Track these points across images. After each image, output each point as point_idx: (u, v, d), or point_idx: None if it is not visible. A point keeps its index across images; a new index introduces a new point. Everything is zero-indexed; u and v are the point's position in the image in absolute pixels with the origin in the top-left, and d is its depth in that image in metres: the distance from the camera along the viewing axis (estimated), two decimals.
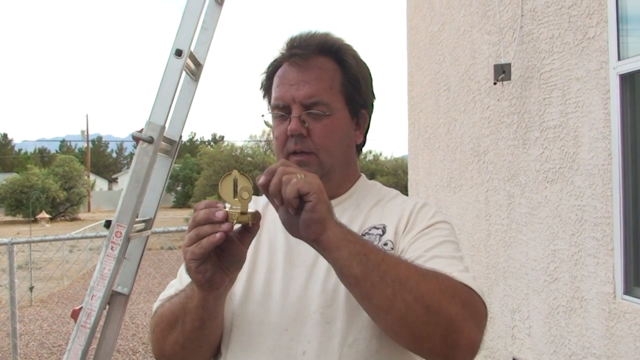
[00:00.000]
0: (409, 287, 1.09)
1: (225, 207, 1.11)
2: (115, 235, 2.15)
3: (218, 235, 1.07)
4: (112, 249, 2.15)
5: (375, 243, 1.33)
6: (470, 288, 1.17)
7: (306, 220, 1.08)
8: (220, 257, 1.13)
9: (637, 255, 2.91)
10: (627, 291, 2.91)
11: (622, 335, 2.89)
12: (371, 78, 1.48)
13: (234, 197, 1.11)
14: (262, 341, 1.29)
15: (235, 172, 1.13)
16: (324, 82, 1.36)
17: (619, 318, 2.92)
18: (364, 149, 1.57)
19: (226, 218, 1.08)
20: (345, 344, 1.26)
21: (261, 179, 1.08)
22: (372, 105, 1.50)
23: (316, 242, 1.10)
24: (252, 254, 1.35)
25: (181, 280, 1.40)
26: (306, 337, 1.27)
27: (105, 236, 2.20)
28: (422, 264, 1.21)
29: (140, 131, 2.19)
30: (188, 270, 1.13)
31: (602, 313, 3.04)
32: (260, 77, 1.48)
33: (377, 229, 1.37)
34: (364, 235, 1.35)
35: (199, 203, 1.12)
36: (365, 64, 1.47)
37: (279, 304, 1.31)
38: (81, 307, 2.19)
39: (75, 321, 2.18)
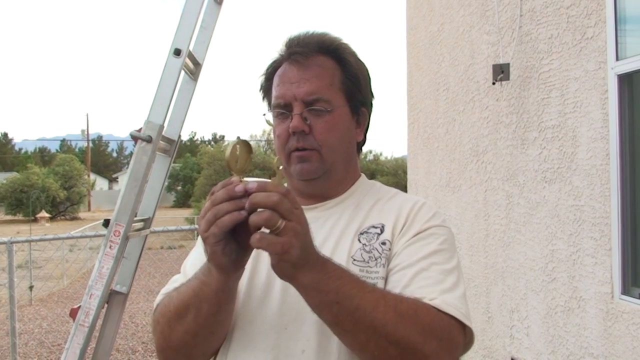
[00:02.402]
0: (385, 332, 1.12)
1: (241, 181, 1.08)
2: (114, 234, 2.16)
3: (244, 212, 1.04)
4: (110, 247, 2.16)
5: (373, 241, 1.34)
6: (452, 317, 1.20)
7: (274, 264, 1.08)
8: (240, 234, 1.09)
9: (635, 256, 2.91)
10: (625, 291, 2.91)
11: (619, 335, 2.90)
12: (369, 77, 1.50)
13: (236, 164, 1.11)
14: (263, 340, 1.29)
15: (237, 140, 1.12)
16: (324, 79, 1.38)
17: (617, 318, 2.92)
18: (364, 149, 1.58)
19: (246, 191, 1.05)
20: (343, 344, 1.26)
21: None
22: (372, 104, 1.51)
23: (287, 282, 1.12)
24: (254, 252, 1.35)
25: (185, 274, 1.38)
26: (305, 335, 1.28)
27: (104, 235, 2.21)
28: (411, 277, 1.25)
29: (139, 130, 2.20)
30: (212, 255, 1.10)
31: (600, 313, 3.05)
32: (259, 78, 1.49)
33: (376, 227, 1.37)
34: (362, 234, 1.36)
35: (216, 186, 1.08)
36: (363, 63, 1.48)
37: (279, 303, 1.31)
38: (80, 306, 2.20)
39: (74, 320, 2.19)
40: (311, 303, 1.12)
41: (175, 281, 1.41)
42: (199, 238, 1.49)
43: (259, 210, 1.03)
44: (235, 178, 1.08)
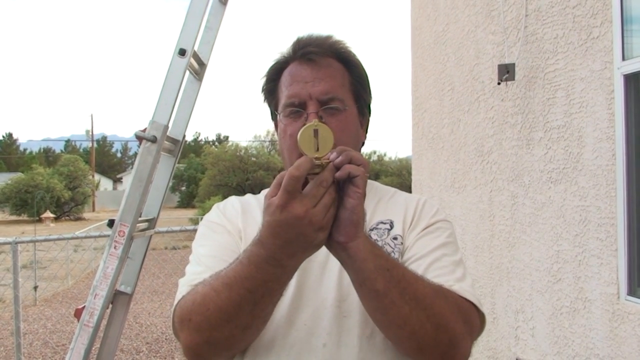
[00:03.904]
0: (425, 305, 1.14)
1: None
2: (119, 235, 2.16)
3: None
4: (115, 248, 2.16)
5: (384, 237, 1.38)
6: (471, 302, 1.25)
7: (343, 219, 1.08)
8: None
9: None
10: (631, 292, 2.90)
11: (625, 336, 2.88)
12: (369, 81, 1.54)
13: (316, 150, 1.10)
14: (282, 337, 1.30)
15: (315, 122, 1.12)
16: (337, 80, 1.41)
17: (623, 319, 2.91)
18: (368, 149, 1.61)
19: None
20: (364, 336, 1.29)
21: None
22: (370, 106, 1.56)
23: (343, 249, 1.10)
24: None
25: (208, 266, 1.32)
26: (325, 330, 1.29)
27: (109, 235, 2.21)
28: (426, 267, 1.30)
29: (144, 130, 2.20)
30: (323, 239, 1.09)
31: (606, 314, 3.03)
32: (262, 79, 1.50)
33: (385, 223, 1.41)
34: (372, 230, 1.40)
35: (294, 172, 1.04)
36: (364, 67, 1.52)
37: (295, 300, 1.32)
38: (84, 306, 2.20)
39: (78, 320, 2.19)
40: (367, 268, 1.11)
41: (200, 273, 1.32)
42: (206, 228, 1.47)
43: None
44: (307, 158, 1.07)
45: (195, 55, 2.41)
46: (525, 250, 3.85)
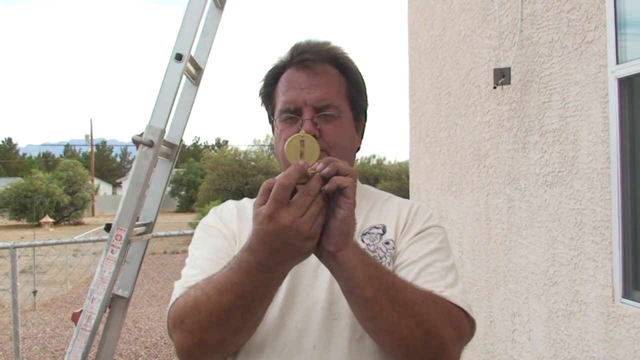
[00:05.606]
0: (413, 312, 1.16)
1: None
2: (116, 239, 2.18)
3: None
4: (112, 252, 2.18)
5: (376, 242, 1.39)
6: (461, 309, 1.27)
7: (333, 229, 1.10)
8: None
9: (636, 259, 2.91)
10: (626, 295, 2.91)
11: (621, 338, 2.90)
12: (366, 87, 1.55)
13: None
14: (273, 339, 1.31)
15: (302, 133, 1.15)
16: (332, 86, 1.42)
17: (618, 321, 2.92)
18: (367, 153, 1.62)
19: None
20: (354, 339, 1.30)
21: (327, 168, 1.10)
22: (366, 112, 1.57)
23: (333, 258, 1.12)
24: None
25: (204, 269, 1.33)
26: (315, 332, 1.31)
27: (106, 240, 2.22)
28: (417, 273, 1.31)
29: (141, 135, 2.22)
30: (312, 248, 1.10)
31: (601, 317, 3.05)
32: (259, 84, 1.52)
33: (377, 228, 1.42)
34: (365, 234, 1.41)
35: (287, 176, 1.06)
36: (361, 73, 1.53)
37: (287, 302, 1.33)
38: (81, 310, 2.21)
39: (76, 324, 2.20)
40: (356, 277, 1.13)
41: (193, 275, 1.35)
42: (202, 231, 1.49)
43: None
44: (302, 162, 1.08)
45: (192, 60, 2.42)
46: (521, 253, 3.87)
